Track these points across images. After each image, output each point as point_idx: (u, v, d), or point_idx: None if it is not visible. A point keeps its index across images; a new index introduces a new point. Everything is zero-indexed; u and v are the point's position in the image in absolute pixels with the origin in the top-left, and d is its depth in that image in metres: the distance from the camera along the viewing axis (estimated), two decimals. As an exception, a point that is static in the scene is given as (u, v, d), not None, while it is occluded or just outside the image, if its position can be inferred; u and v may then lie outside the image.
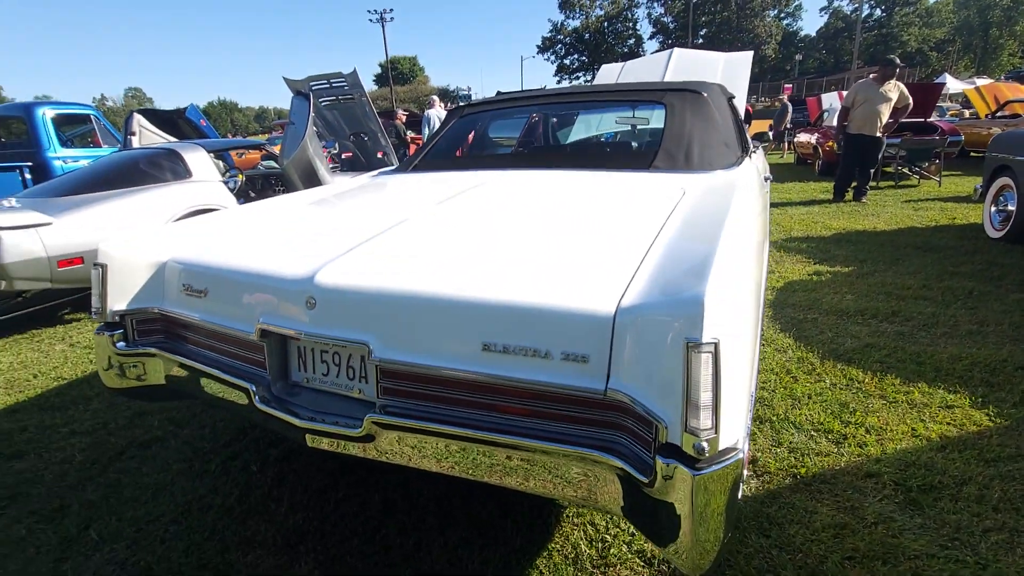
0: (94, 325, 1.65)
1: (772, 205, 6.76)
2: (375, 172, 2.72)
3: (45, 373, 2.87)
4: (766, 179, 3.01)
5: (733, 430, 0.89)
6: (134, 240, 1.68)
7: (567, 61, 59.39)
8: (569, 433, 1.04)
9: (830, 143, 8.90)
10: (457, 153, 2.78)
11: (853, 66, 40.00)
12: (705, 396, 0.85)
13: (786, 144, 13.89)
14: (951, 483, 1.71)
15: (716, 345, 0.85)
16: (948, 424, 2.02)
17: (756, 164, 2.76)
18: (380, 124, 5.76)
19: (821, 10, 56.86)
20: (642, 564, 1.48)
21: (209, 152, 4.18)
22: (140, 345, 1.64)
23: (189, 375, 1.58)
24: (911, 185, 8.07)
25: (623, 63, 5.80)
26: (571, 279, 1.12)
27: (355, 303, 1.21)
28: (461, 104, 2.91)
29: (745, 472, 1.02)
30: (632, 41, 58.61)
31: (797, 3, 53.55)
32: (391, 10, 39.57)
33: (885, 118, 6.38)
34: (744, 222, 1.42)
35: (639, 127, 3.16)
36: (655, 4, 56.64)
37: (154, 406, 2.38)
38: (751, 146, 3.53)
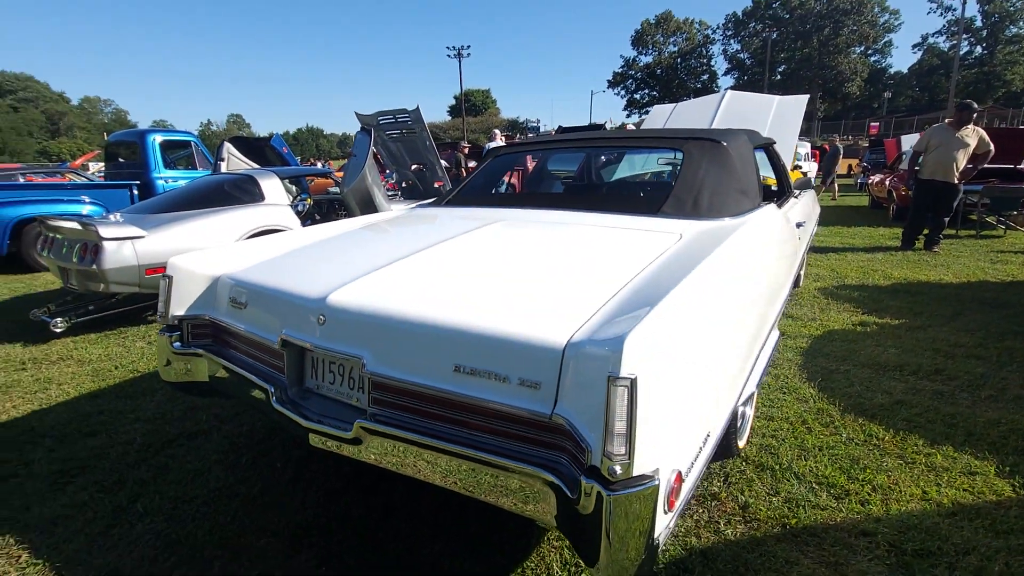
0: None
1: (830, 250, 6.51)
2: (415, 204, 2.98)
3: (124, 366, 3.29)
4: (799, 225, 2.99)
5: (650, 459, 0.98)
6: (197, 257, 1.98)
7: (637, 96, 59.68)
8: (520, 451, 1.16)
9: (904, 188, 8.46)
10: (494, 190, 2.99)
11: (949, 105, 37.53)
12: (620, 425, 0.95)
13: (835, 187, 13.56)
14: (951, 551, 1.64)
15: (633, 381, 0.96)
16: (965, 491, 1.93)
17: (784, 211, 2.78)
18: (438, 157, 6.14)
19: (914, 47, 54.09)
20: (610, 592, 1.54)
21: (282, 179, 4.67)
22: (192, 346, 1.92)
23: (227, 376, 1.83)
24: (995, 235, 7.48)
25: (675, 104, 5.90)
26: (538, 313, 1.25)
27: (355, 322, 1.40)
28: (500, 145, 3.14)
29: (678, 501, 1.09)
30: (706, 77, 58.13)
31: (887, 39, 51.22)
32: (468, 46, 41.71)
33: (961, 164, 6.03)
34: (719, 270, 1.50)
35: (659, 173, 3.26)
36: (731, 41, 56.09)
37: (204, 401, 2.68)
38: (792, 192, 3.54)
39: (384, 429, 1.32)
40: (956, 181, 6.09)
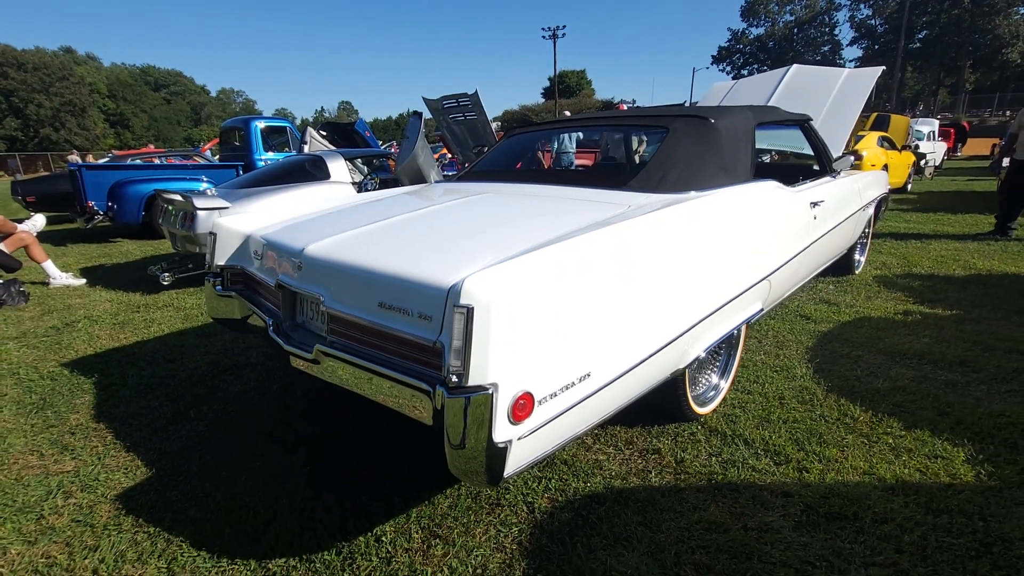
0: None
1: (913, 236, 5.94)
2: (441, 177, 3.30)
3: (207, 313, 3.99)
4: (814, 204, 2.92)
5: (485, 374, 1.21)
6: (236, 219, 2.45)
7: (745, 72, 55.56)
8: (415, 369, 1.44)
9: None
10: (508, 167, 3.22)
11: None
12: (457, 343, 1.20)
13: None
14: (867, 518, 1.68)
15: (470, 310, 1.19)
16: (917, 471, 1.90)
17: (794, 190, 2.74)
18: (496, 138, 6.44)
19: (1101, 2, 44.90)
20: (526, 509, 1.78)
21: (351, 160, 5.22)
22: (229, 290, 2.40)
23: (250, 313, 2.28)
24: None
25: (734, 81, 5.67)
26: (443, 263, 1.51)
27: (319, 268, 1.75)
28: (514, 127, 3.36)
29: (528, 418, 1.31)
30: (827, 48, 52.64)
31: (1063, -5, 42.99)
32: (564, 27, 41.12)
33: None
34: (633, 234, 1.65)
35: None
36: (861, 5, 50.15)
37: (256, 340, 3.24)
38: (831, 171, 3.40)
39: (333, 352, 1.66)
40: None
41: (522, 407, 1.28)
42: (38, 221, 5.06)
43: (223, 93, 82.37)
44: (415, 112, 5.23)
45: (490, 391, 1.22)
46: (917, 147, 12.63)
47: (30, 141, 50.98)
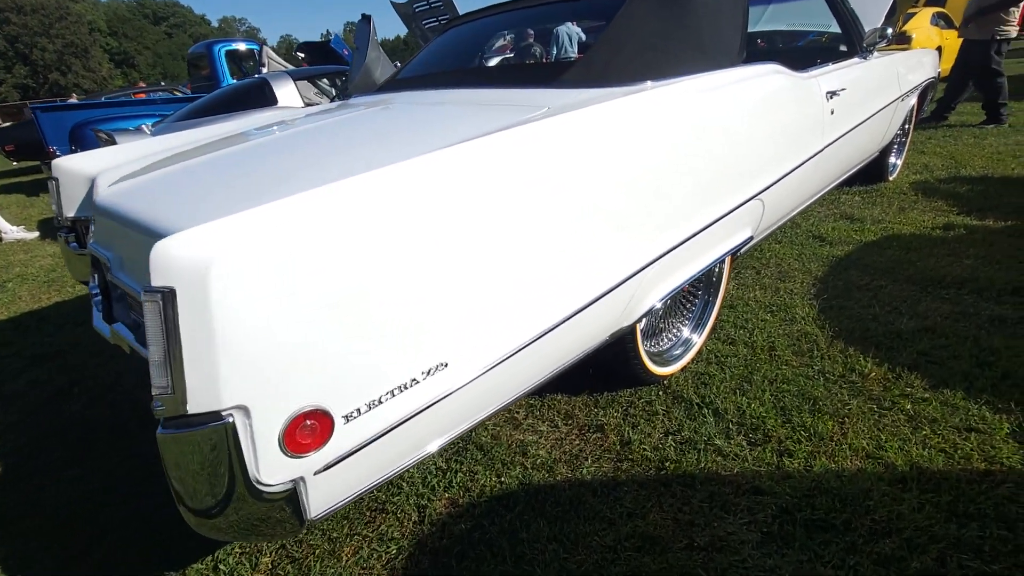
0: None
1: (964, 129, 5.02)
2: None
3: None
4: (832, 94, 2.24)
5: (214, 394, 0.75)
6: (78, 159, 1.97)
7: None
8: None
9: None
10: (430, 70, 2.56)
11: None
12: (155, 351, 0.73)
13: None
14: (863, 529, 1.23)
15: (165, 295, 0.71)
16: (942, 453, 1.42)
17: (801, 76, 2.08)
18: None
19: None
20: (417, 513, 1.39)
21: (297, 80, 4.58)
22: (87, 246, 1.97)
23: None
24: None
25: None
26: (184, 215, 1.00)
27: (102, 223, 1.28)
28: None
29: (326, 443, 0.86)
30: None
31: None
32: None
33: None
34: (497, 149, 1.11)
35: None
36: None
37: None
38: (861, 50, 2.67)
39: (124, 338, 1.24)
40: None
41: (308, 432, 0.83)
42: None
43: (224, 23, 78.82)
44: (364, 16, 4.46)
45: (230, 420, 0.76)
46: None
47: (41, 88, 50.46)
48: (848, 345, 1.91)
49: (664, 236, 1.49)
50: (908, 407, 1.59)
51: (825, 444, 1.48)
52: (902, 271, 2.43)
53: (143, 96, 9.99)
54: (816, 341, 1.96)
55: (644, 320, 1.62)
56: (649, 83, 1.58)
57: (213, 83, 7.38)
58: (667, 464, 1.47)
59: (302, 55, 8.18)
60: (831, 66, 2.42)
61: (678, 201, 1.53)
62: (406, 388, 0.93)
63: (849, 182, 3.45)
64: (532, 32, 5.39)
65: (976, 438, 1.44)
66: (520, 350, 1.12)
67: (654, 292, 1.55)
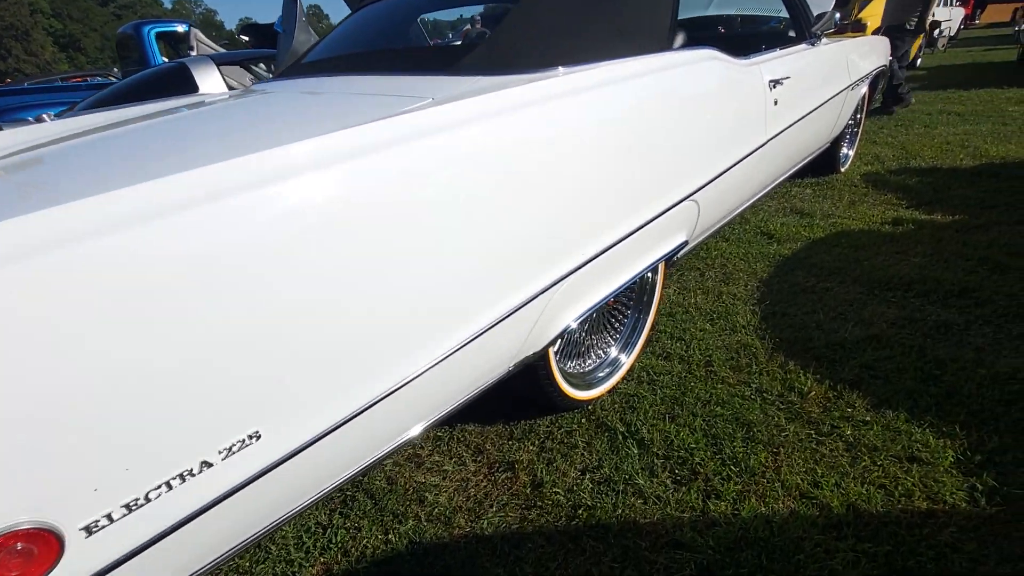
0: None
1: (920, 119, 4.99)
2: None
3: None
4: (775, 83, 2.07)
5: None
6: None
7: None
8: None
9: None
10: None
11: None
12: None
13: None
14: (790, 591, 1.06)
15: None
16: (882, 488, 1.27)
17: (742, 64, 1.90)
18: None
19: None
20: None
21: (220, 65, 4.20)
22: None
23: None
24: None
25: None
26: None
27: None
28: None
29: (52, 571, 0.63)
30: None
31: None
32: None
33: None
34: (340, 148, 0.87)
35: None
36: None
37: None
38: (810, 36, 2.53)
39: None
40: None
41: (17, 557, 0.60)
42: None
43: (179, 4, 75.07)
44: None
45: None
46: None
47: (-22, 74, 47.34)
48: (789, 358, 1.76)
49: (577, 248, 1.29)
50: (848, 432, 1.44)
51: (756, 481, 1.32)
52: (849, 272, 2.30)
53: (80, 80, 9.31)
54: (755, 355, 1.80)
55: (559, 343, 1.43)
56: (561, 69, 1.36)
57: (144, 68, 6.85)
58: (580, 512, 1.28)
59: (246, 38, 7.69)
60: (776, 52, 2.26)
61: (594, 206, 1.33)
62: (184, 479, 0.70)
63: (801, 173, 3.33)
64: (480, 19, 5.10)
65: (918, 470, 1.30)
66: (367, 408, 0.90)
67: (567, 312, 1.36)
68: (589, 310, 1.40)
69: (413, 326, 0.97)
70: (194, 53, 5.97)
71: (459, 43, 3.19)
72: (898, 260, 2.37)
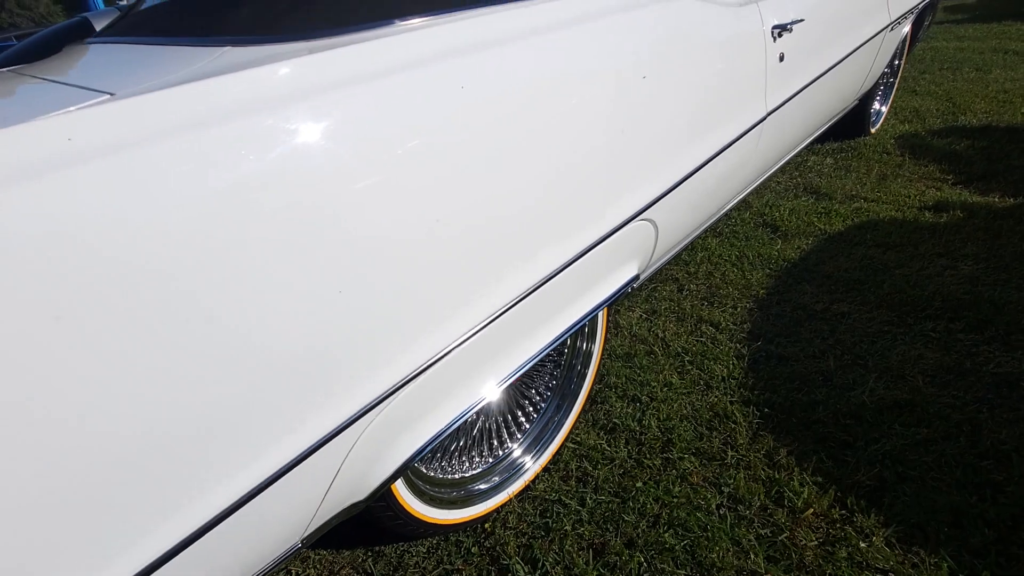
0: None
1: (968, 61, 4.18)
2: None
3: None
4: (781, 29, 1.45)
5: None
6: None
7: None
8: None
9: None
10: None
11: None
12: None
13: None
14: None
15: None
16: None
17: (699, 7, 1.27)
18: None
19: None
20: None
21: (133, 16, 3.59)
22: None
23: None
24: None
25: None
26: None
27: None
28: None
29: None
30: None
31: None
32: None
33: None
34: None
35: None
36: None
37: None
38: None
39: None
40: None
41: None
42: None
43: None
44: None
45: None
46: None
47: (-31, 28, 46.25)
48: (780, 442, 1.24)
49: (430, 327, 0.77)
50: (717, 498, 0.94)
51: None
52: (874, 286, 1.73)
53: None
54: (734, 433, 1.28)
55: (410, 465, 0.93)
56: (350, 35, 0.78)
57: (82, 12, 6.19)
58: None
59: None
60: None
61: (465, 249, 0.80)
62: None
63: (820, 137, 2.69)
64: None
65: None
66: None
67: (411, 437, 0.85)
68: (447, 428, 0.89)
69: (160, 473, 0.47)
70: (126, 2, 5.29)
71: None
72: (941, 268, 1.79)
